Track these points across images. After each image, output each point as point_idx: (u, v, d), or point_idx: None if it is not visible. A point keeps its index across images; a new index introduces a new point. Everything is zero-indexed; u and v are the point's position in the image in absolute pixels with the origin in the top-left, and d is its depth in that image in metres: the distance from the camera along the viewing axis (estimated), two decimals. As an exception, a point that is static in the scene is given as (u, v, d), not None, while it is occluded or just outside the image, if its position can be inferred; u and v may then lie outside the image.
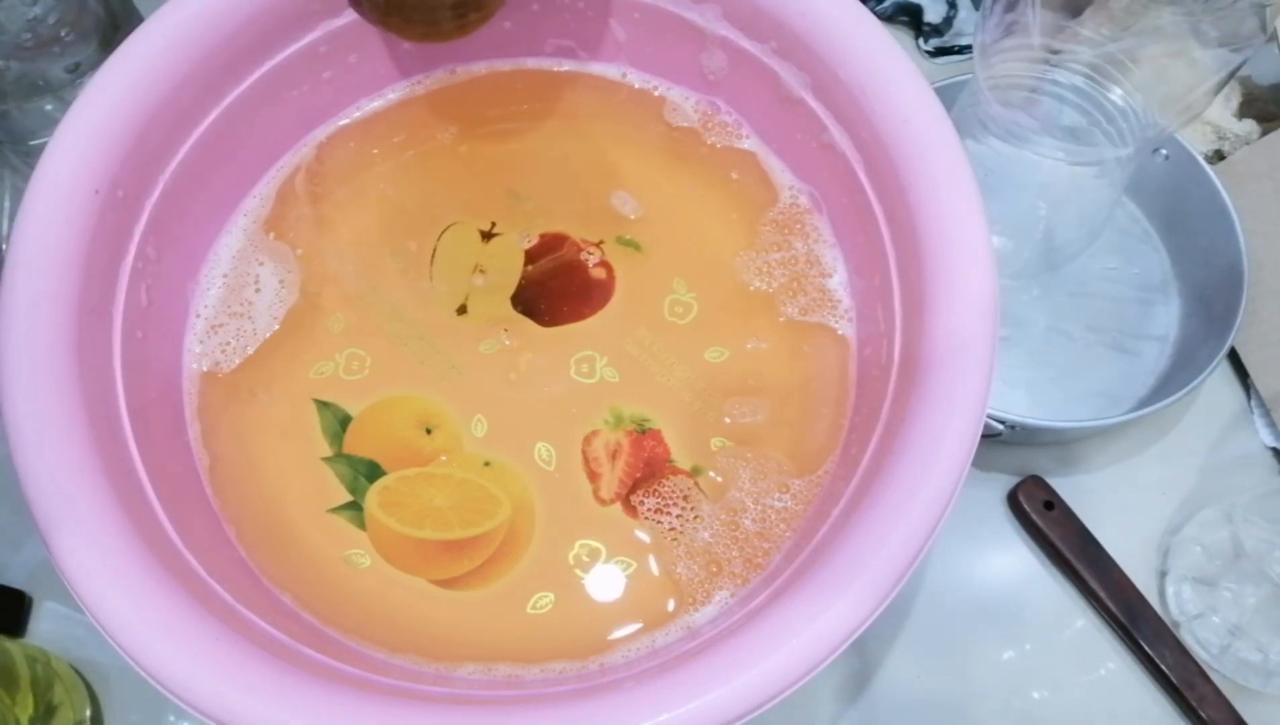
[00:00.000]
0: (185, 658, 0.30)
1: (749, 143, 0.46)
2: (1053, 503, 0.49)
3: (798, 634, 0.30)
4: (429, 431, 0.41)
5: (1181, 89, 0.38)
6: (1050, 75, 0.40)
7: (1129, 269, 0.54)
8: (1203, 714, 0.45)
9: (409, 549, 0.39)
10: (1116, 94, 0.40)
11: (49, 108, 0.48)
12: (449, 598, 0.39)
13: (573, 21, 0.46)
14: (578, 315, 0.44)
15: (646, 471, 0.41)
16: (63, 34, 0.47)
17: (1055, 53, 0.39)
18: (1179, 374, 0.50)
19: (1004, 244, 0.49)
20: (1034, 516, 0.49)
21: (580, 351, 0.43)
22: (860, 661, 0.47)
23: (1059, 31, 0.39)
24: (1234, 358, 0.53)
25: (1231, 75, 0.37)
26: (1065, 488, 0.50)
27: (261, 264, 0.43)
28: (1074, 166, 0.43)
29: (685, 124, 0.47)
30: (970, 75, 0.52)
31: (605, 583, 0.39)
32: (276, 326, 0.43)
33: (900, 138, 0.38)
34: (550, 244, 0.45)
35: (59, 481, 0.32)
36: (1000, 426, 0.47)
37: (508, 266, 0.44)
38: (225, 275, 0.43)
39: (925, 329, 0.35)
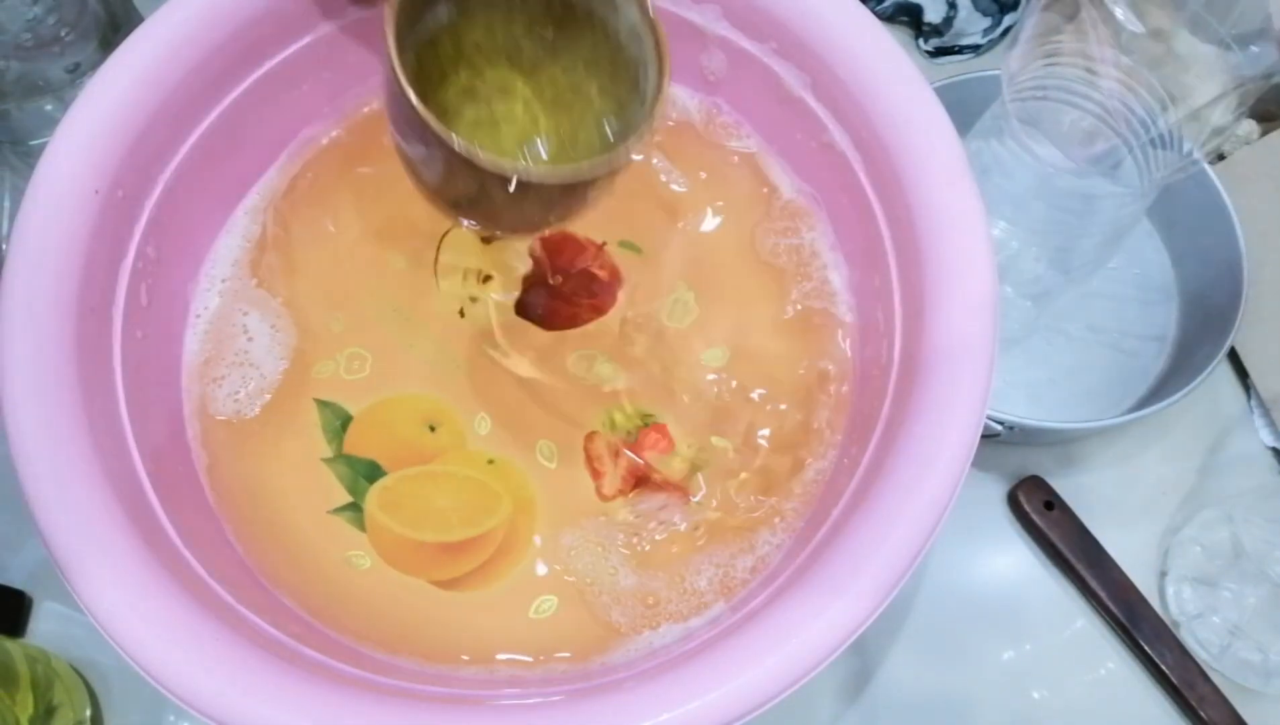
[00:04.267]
0: (185, 658, 0.30)
1: (749, 143, 0.46)
2: (1053, 503, 0.49)
3: (798, 634, 0.30)
4: (432, 429, 0.41)
5: (1210, 115, 0.38)
6: (1081, 103, 0.40)
7: (1129, 269, 0.54)
8: (1203, 714, 0.45)
9: (409, 550, 0.39)
10: (1151, 123, 0.40)
11: (49, 108, 0.48)
12: (450, 599, 0.39)
13: (573, 21, 0.46)
14: (580, 318, 0.44)
15: (648, 470, 0.41)
16: (63, 34, 0.47)
17: (1089, 77, 0.39)
18: (1179, 374, 0.50)
19: (1023, 256, 0.49)
20: (1034, 516, 0.49)
21: (582, 351, 0.43)
22: (860, 661, 0.47)
23: (1093, 61, 0.39)
24: (1234, 358, 0.53)
25: (1244, 103, 0.37)
26: (1065, 488, 0.50)
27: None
28: (1102, 189, 0.43)
29: (685, 120, 0.47)
30: (977, 74, 0.52)
31: (605, 582, 0.39)
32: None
33: (900, 138, 0.38)
34: (554, 246, 0.45)
35: (59, 482, 0.32)
36: (999, 427, 0.47)
37: (510, 268, 0.44)
38: (225, 281, 0.43)
39: (925, 329, 0.35)
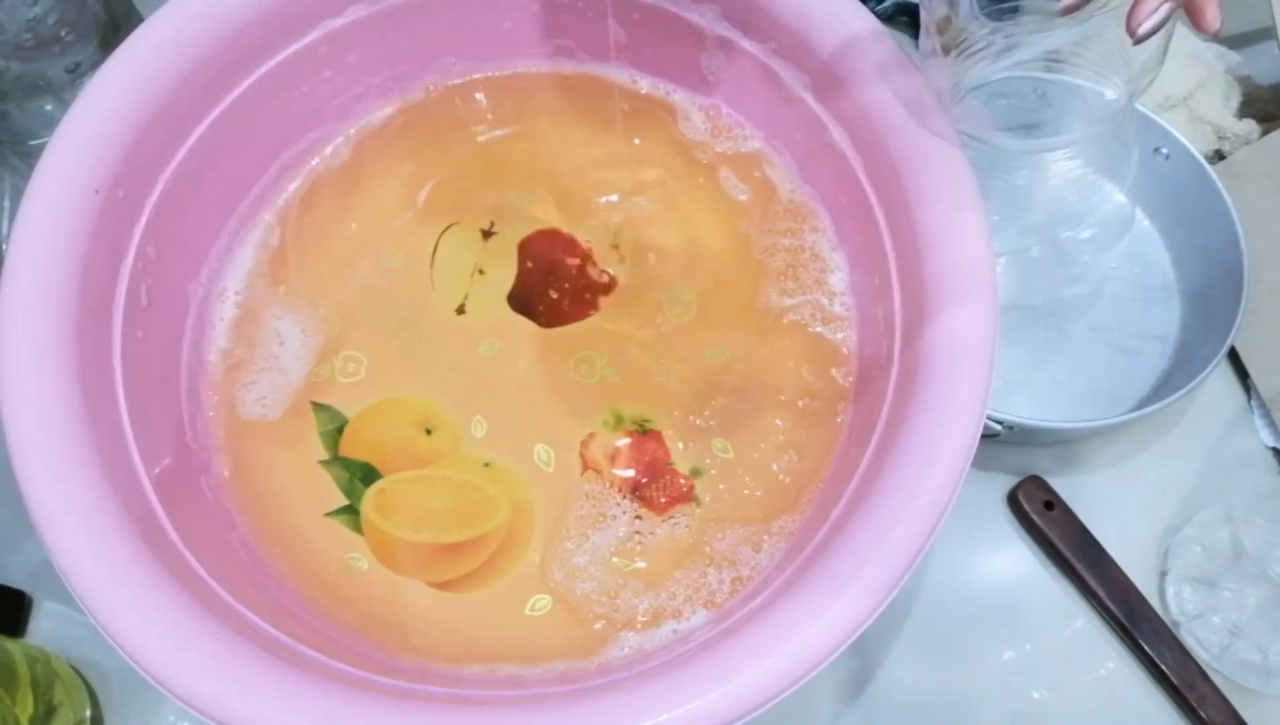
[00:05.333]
0: (185, 658, 0.30)
1: (749, 144, 0.46)
2: (1053, 503, 0.49)
3: (798, 634, 0.30)
4: (428, 432, 0.41)
5: (1126, 61, 0.37)
6: (991, 73, 0.40)
7: (1129, 269, 0.54)
8: (1203, 714, 0.45)
9: (406, 552, 0.39)
10: (1062, 78, 0.39)
11: (49, 108, 0.48)
12: (448, 599, 0.39)
13: (573, 21, 0.46)
14: (576, 315, 0.43)
15: (647, 473, 0.41)
16: (63, 34, 0.47)
17: (1001, 47, 0.39)
18: (1179, 374, 0.50)
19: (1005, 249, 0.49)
20: (1034, 516, 0.49)
21: (580, 351, 0.43)
22: (860, 661, 0.47)
23: (995, 31, 0.38)
24: (1234, 358, 0.53)
25: (1170, 34, 0.36)
26: (1065, 488, 0.49)
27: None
28: (1043, 156, 0.42)
29: (687, 125, 0.47)
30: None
31: (604, 584, 0.39)
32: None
33: (900, 138, 0.38)
34: (548, 242, 0.45)
35: (59, 482, 0.32)
36: (999, 427, 0.47)
37: (507, 266, 0.44)
38: (237, 292, 0.43)
39: (925, 329, 0.35)
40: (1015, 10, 0.36)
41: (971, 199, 0.36)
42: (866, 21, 0.39)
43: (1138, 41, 0.30)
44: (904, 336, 0.37)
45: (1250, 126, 0.55)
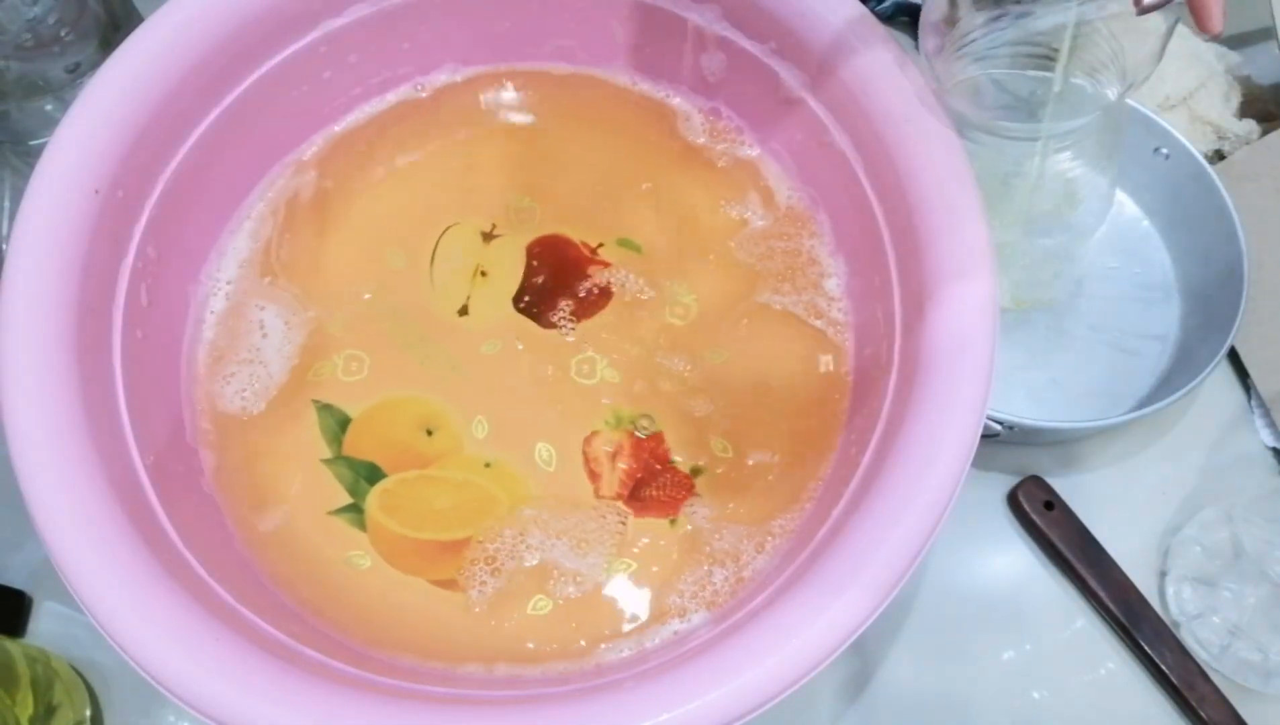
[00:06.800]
0: (185, 658, 0.30)
1: (750, 145, 0.46)
2: (1053, 503, 0.49)
3: (798, 634, 0.30)
4: (429, 433, 0.41)
5: (1119, 55, 0.37)
6: (991, 61, 0.40)
7: (1129, 269, 0.54)
8: (1203, 714, 0.45)
9: (409, 550, 0.39)
10: (1060, 70, 0.39)
11: (49, 108, 0.48)
12: (449, 598, 0.39)
13: (572, 21, 0.46)
14: (578, 316, 0.43)
15: (647, 473, 0.41)
16: (63, 34, 0.47)
17: (999, 35, 0.38)
18: (1179, 374, 0.50)
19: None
20: (1034, 516, 0.49)
21: (581, 352, 0.43)
22: (860, 661, 0.47)
23: (994, 18, 0.38)
24: (1234, 358, 0.53)
25: (1171, 32, 0.36)
26: (1065, 488, 0.49)
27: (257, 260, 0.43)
28: (1032, 147, 0.42)
29: (687, 127, 0.47)
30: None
31: (604, 584, 0.39)
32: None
33: (900, 137, 0.38)
34: (550, 245, 0.45)
35: (59, 482, 0.32)
36: (999, 427, 0.47)
37: (508, 268, 0.44)
38: (230, 282, 0.43)
39: (925, 329, 0.35)
40: None
41: (971, 198, 0.36)
42: (866, 21, 0.39)
43: (1142, 13, 0.30)
44: (904, 336, 0.37)
45: (1250, 126, 0.55)
